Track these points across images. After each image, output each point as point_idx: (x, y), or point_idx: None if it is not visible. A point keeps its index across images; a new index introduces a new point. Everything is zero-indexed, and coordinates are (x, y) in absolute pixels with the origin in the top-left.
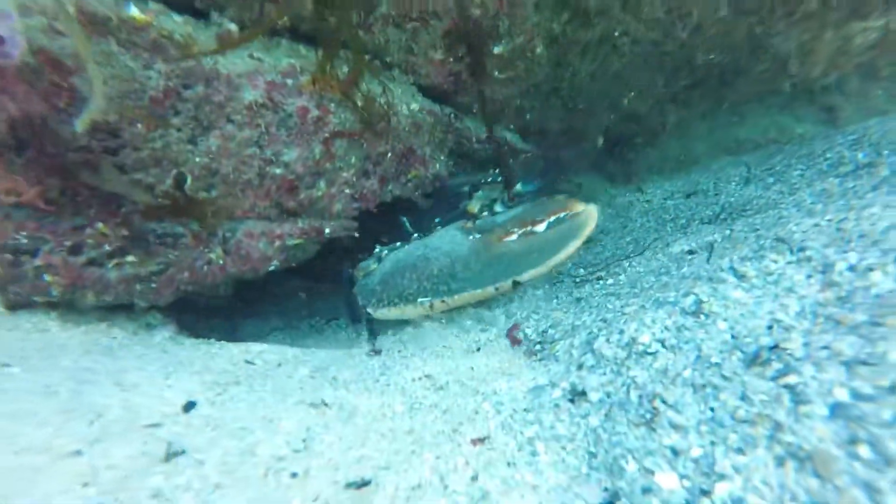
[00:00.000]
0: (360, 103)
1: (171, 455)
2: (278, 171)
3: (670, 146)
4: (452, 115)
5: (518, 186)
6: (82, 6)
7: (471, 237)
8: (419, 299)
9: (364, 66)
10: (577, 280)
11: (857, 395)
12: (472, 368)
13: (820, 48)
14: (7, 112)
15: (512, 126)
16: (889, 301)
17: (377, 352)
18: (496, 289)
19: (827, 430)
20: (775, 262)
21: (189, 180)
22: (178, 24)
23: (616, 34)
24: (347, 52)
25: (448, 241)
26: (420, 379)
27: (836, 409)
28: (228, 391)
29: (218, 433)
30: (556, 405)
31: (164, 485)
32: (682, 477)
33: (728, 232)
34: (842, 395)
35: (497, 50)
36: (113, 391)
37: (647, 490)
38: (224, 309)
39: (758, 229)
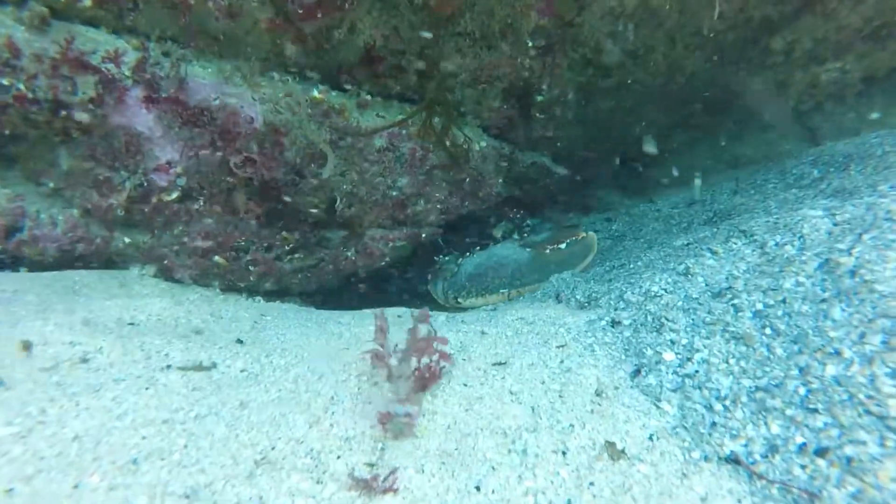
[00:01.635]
0: (448, 145)
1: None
2: (394, 193)
3: (677, 164)
4: (507, 149)
5: (527, 221)
6: (289, 92)
7: (527, 249)
8: (500, 290)
9: (452, 121)
10: (607, 269)
11: (764, 306)
12: (549, 314)
13: (793, 84)
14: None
15: (546, 153)
16: (792, 260)
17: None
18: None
19: (750, 323)
20: (736, 243)
21: (339, 201)
22: (335, 97)
23: (629, 81)
24: (438, 107)
25: (511, 251)
26: (517, 319)
27: (757, 314)
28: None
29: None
30: (603, 328)
31: None
32: (676, 353)
33: (715, 230)
34: (759, 306)
35: (539, 99)
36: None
37: (658, 362)
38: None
39: (734, 226)
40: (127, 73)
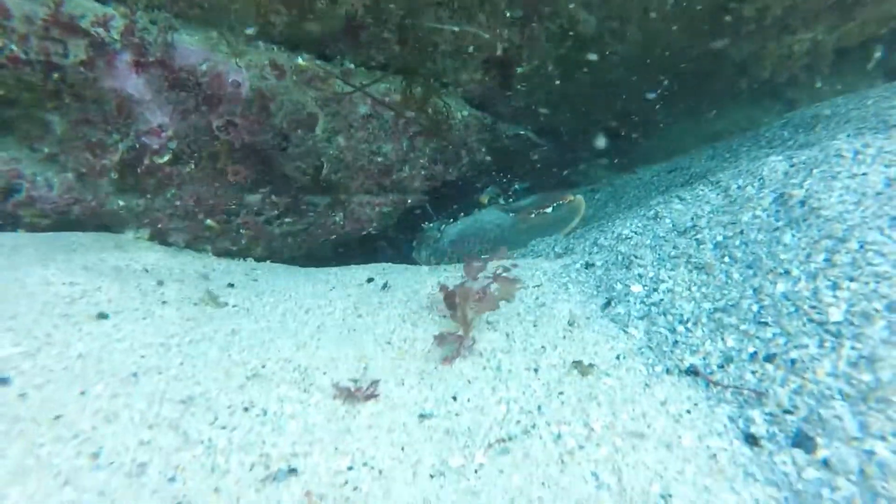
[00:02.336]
0: (431, 112)
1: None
2: (379, 159)
3: (660, 138)
4: (489, 119)
5: (515, 186)
6: (274, 60)
7: (510, 214)
8: (482, 256)
9: (433, 90)
10: (587, 229)
11: (724, 238)
12: (527, 262)
13: (766, 55)
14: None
15: (530, 126)
16: (751, 198)
17: None
18: None
19: (711, 254)
20: (703, 190)
21: (325, 167)
22: (321, 65)
23: (607, 53)
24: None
25: (494, 217)
26: (496, 266)
27: (717, 245)
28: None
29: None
30: (577, 269)
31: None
32: (643, 286)
33: (690, 188)
34: (719, 238)
35: (519, 70)
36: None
37: (626, 294)
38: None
39: (704, 178)
40: (116, 37)
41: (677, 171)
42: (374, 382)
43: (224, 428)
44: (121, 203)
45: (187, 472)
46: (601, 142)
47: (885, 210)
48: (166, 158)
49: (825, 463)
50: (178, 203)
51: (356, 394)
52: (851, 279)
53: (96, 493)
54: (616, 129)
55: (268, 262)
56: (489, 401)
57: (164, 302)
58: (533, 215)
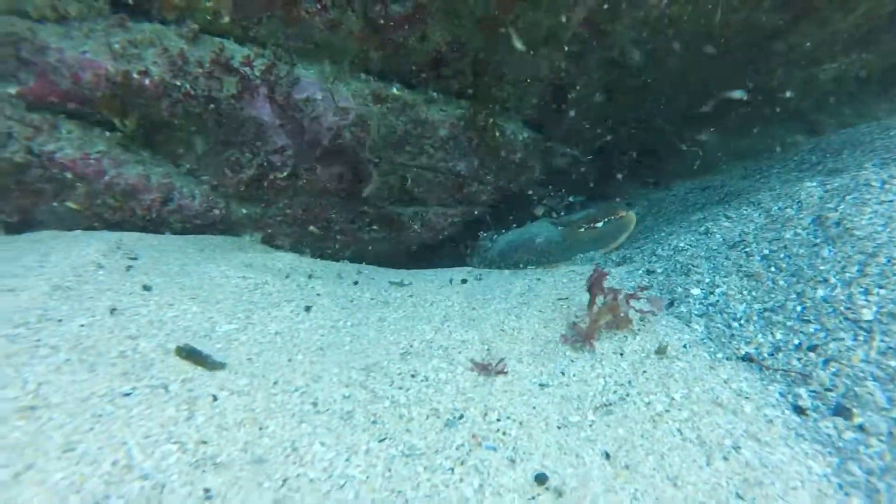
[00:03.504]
0: (497, 135)
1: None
2: (455, 176)
3: (692, 155)
4: (544, 139)
5: (569, 199)
6: (374, 90)
7: (559, 228)
8: (528, 267)
9: (495, 115)
10: (632, 241)
11: (770, 251)
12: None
13: (792, 81)
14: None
15: (576, 146)
16: (791, 218)
17: None
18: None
19: (759, 264)
20: (746, 210)
21: (409, 181)
22: (409, 94)
23: (649, 81)
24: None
25: (544, 230)
26: (569, 271)
27: (764, 257)
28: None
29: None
30: (640, 275)
31: None
32: (701, 289)
33: (727, 205)
34: (766, 251)
35: (571, 96)
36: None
37: (687, 296)
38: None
39: (744, 198)
40: (258, 74)
41: (711, 189)
42: (501, 360)
43: (400, 388)
44: (243, 211)
45: (384, 418)
46: (638, 158)
47: None
48: (285, 174)
49: (860, 427)
50: (288, 211)
51: (489, 368)
52: (881, 287)
53: (325, 430)
54: (652, 147)
55: (363, 263)
56: (590, 375)
57: (318, 294)
58: (583, 229)
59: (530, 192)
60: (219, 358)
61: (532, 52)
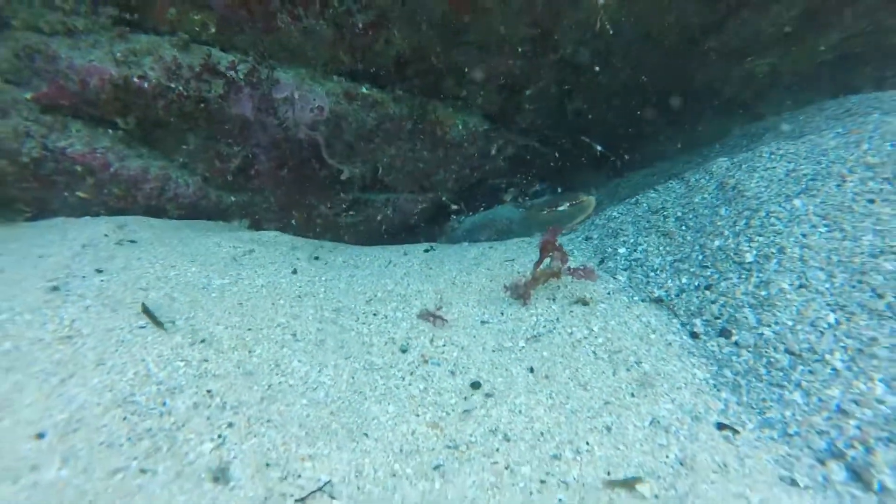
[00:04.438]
0: (461, 128)
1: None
2: (421, 165)
3: (648, 149)
4: (505, 131)
5: (536, 186)
6: (347, 90)
7: (520, 210)
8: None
9: (456, 110)
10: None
11: (682, 213)
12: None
13: (730, 77)
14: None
15: (535, 138)
16: (702, 186)
17: None
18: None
19: (673, 224)
20: (671, 183)
21: (381, 170)
22: (377, 92)
23: (599, 78)
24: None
25: (506, 212)
26: (520, 241)
27: (678, 219)
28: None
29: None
30: (579, 241)
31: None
32: (626, 248)
33: (663, 182)
34: (679, 213)
35: (527, 92)
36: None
37: (615, 254)
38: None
39: (675, 175)
40: (241, 76)
41: (659, 174)
42: (448, 303)
43: (364, 324)
44: (232, 199)
45: (350, 344)
46: (596, 150)
47: (783, 190)
48: (268, 165)
49: (736, 343)
50: (272, 199)
51: (438, 312)
52: (760, 235)
53: (302, 353)
54: (609, 138)
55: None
56: (524, 315)
57: (298, 259)
58: (545, 212)
59: (498, 180)
60: (215, 304)
61: (488, 53)
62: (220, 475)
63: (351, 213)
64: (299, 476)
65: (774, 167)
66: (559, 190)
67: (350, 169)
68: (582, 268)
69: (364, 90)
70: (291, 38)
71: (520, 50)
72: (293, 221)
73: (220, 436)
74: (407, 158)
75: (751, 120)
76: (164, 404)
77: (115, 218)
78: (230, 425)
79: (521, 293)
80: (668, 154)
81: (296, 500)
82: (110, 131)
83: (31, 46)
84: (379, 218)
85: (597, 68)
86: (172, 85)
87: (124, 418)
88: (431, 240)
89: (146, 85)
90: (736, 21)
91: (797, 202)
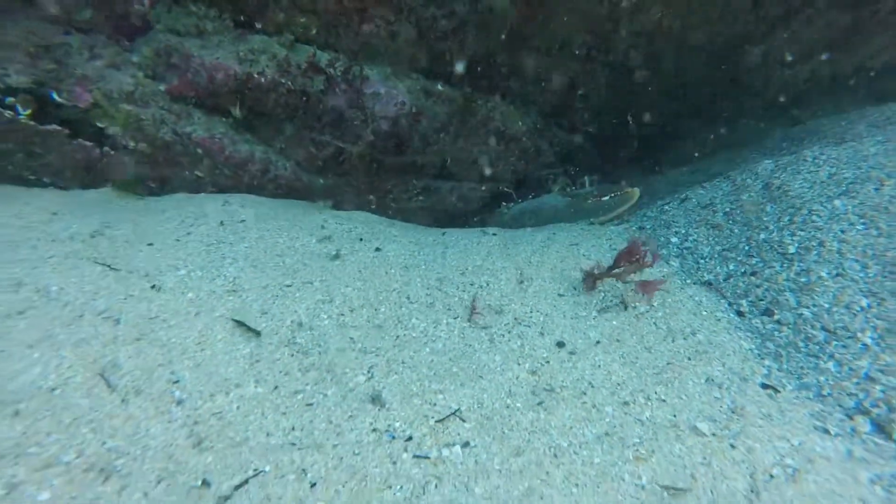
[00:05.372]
0: (520, 124)
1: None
2: (483, 157)
3: (685, 146)
4: (556, 127)
5: (585, 178)
6: (425, 87)
7: (566, 199)
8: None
9: (516, 107)
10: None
11: (730, 209)
12: (594, 228)
13: (771, 81)
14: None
15: (583, 136)
16: (748, 185)
17: None
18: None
19: (721, 218)
20: (718, 181)
21: (448, 162)
22: (450, 90)
23: (647, 79)
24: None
25: (552, 200)
26: (578, 228)
27: (725, 214)
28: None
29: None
30: (633, 231)
31: None
32: (677, 238)
33: (709, 181)
34: (727, 209)
35: (580, 93)
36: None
37: (667, 243)
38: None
39: (720, 173)
40: (339, 73)
41: (699, 172)
42: (529, 278)
43: (463, 291)
44: (321, 182)
45: (455, 308)
46: (637, 147)
47: (824, 192)
48: (356, 152)
49: (778, 321)
50: (353, 183)
51: (522, 285)
52: (801, 230)
53: (417, 311)
54: (650, 137)
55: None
56: (594, 291)
57: (395, 235)
58: (590, 201)
59: (546, 172)
60: (338, 269)
61: (547, 56)
62: (377, 399)
63: (420, 198)
64: (434, 405)
65: (817, 171)
66: (603, 182)
67: (424, 159)
68: (650, 282)
69: (439, 87)
70: (378, 40)
71: (577, 53)
72: (371, 205)
73: (369, 371)
74: (472, 150)
75: (791, 123)
76: (320, 345)
77: (227, 195)
78: (374, 365)
79: (589, 284)
80: (706, 154)
81: (435, 421)
82: (223, 119)
83: (170, 45)
84: (445, 203)
85: (645, 71)
86: (283, 80)
87: (291, 355)
88: (483, 224)
89: (263, 80)
90: (783, 30)
91: (838, 202)
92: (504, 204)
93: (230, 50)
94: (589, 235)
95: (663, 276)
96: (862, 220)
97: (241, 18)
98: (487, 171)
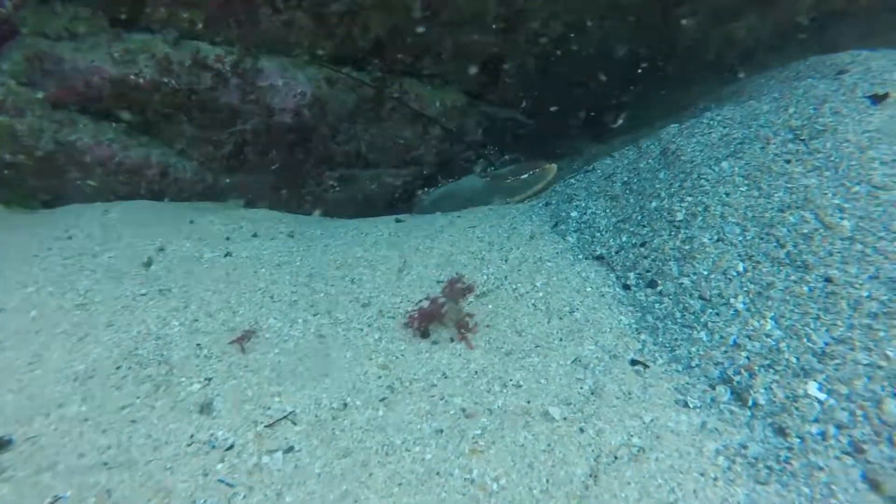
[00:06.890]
0: (439, 104)
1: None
2: (402, 142)
3: (633, 114)
4: (484, 105)
5: (504, 157)
6: (329, 75)
7: (484, 179)
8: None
9: (438, 90)
10: None
11: (628, 178)
12: (503, 207)
13: (711, 40)
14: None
15: (517, 110)
16: (650, 152)
17: None
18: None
19: (619, 188)
20: (627, 150)
21: (363, 147)
22: (358, 75)
23: (574, 48)
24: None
25: (470, 182)
26: (487, 209)
27: (624, 183)
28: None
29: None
30: (538, 208)
31: None
32: (578, 212)
33: (619, 149)
34: (626, 178)
35: (506, 66)
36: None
37: (567, 218)
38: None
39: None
40: (228, 68)
41: (640, 138)
42: (410, 267)
43: (332, 286)
44: (227, 181)
45: (319, 303)
46: (580, 119)
47: (714, 154)
48: (258, 149)
49: (660, 292)
50: (264, 179)
51: (401, 274)
52: (690, 195)
53: (277, 311)
54: (592, 107)
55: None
56: (477, 273)
57: (280, 233)
58: (509, 180)
59: (469, 153)
60: (204, 273)
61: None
62: (206, 407)
63: (337, 188)
64: (268, 409)
65: (710, 132)
66: (522, 161)
67: (336, 148)
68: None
69: (345, 73)
70: (273, 30)
71: (493, 27)
72: (284, 199)
73: (207, 378)
74: (388, 136)
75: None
76: (162, 355)
77: (126, 202)
78: (215, 372)
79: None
80: (652, 117)
81: (265, 426)
82: (113, 124)
83: (40, 50)
84: (364, 192)
85: (571, 39)
86: (165, 80)
87: (129, 367)
88: (408, 212)
89: (142, 81)
90: None
91: (724, 164)
92: (423, 189)
93: (105, 51)
94: (491, 216)
95: (556, 253)
96: (746, 182)
97: (120, 17)
98: (407, 156)
